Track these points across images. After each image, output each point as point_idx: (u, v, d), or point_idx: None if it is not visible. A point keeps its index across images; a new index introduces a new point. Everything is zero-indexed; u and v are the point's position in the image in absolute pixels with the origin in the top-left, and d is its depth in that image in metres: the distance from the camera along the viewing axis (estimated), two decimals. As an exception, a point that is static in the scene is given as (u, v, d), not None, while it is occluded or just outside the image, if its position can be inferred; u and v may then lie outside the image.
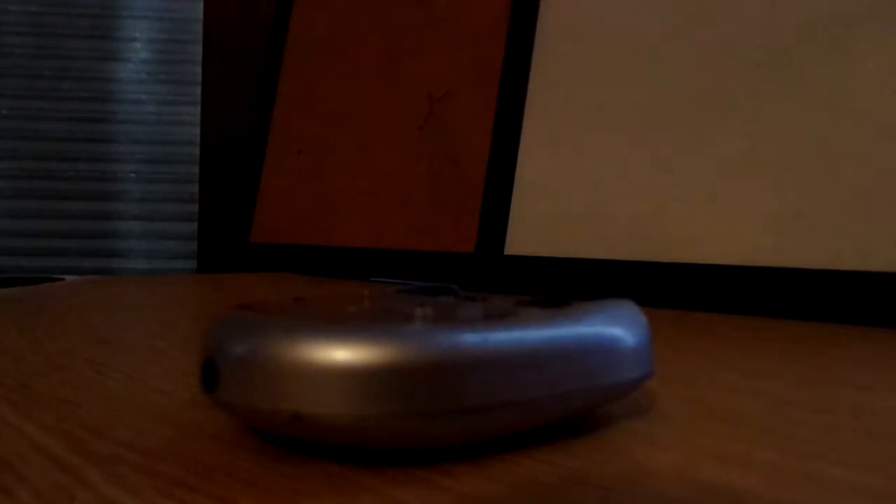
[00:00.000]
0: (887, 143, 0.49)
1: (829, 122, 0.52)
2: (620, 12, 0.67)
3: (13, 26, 1.23)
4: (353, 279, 0.85)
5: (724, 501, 0.14)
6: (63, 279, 1.02)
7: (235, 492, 0.15)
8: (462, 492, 0.15)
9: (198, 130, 1.23)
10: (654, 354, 0.20)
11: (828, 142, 0.51)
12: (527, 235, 0.70)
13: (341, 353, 0.15)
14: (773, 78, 0.55)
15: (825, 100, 0.52)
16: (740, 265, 0.54)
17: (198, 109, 1.23)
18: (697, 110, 0.59)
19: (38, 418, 0.20)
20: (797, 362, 0.31)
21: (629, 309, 0.20)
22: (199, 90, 1.23)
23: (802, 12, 0.55)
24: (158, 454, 0.17)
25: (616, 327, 0.19)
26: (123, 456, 0.17)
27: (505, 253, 0.71)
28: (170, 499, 0.14)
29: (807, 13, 0.54)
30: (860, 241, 0.49)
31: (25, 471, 0.16)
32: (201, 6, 1.23)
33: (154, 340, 0.35)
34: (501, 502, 0.14)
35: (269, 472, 0.16)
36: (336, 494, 0.15)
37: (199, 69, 1.24)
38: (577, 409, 0.18)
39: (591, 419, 0.20)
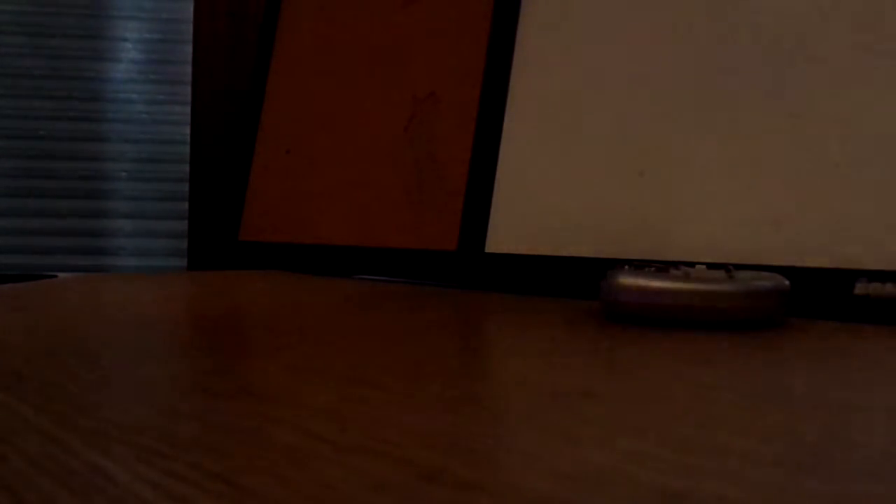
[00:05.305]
0: (882, 145, 0.51)
1: (824, 120, 0.54)
2: (603, 13, 0.69)
3: (3, 25, 1.25)
4: (338, 276, 0.87)
5: (632, 465, 0.17)
6: (56, 276, 1.04)
7: (204, 458, 0.17)
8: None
9: (188, 130, 1.25)
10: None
11: (827, 140, 0.54)
12: (507, 234, 0.72)
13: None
14: (766, 77, 0.58)
15: (818, 101, 0.54)
16: (712, 262, 0.56)
17: (188, 109, 1.25)
18: (682, 109, 0.62)
19: (29, 400, 0.22)
20: (748, 356, 0.33)
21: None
22: (188, 90, 1.25)
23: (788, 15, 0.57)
24: (138, 429, 0.19)
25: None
26: (107, 430, 0.19)
27: (486, 251, 0.73)
28: (147, 464, 0.16)
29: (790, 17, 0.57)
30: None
31: (19, 443, 0.18)
32: (191, 7, 1.25)
33: (140, 333, 0.37)
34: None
35: (231, 442, 0.18)
36: (294, 464, 0.17)
37: (188, 69, 1.25)
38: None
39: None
